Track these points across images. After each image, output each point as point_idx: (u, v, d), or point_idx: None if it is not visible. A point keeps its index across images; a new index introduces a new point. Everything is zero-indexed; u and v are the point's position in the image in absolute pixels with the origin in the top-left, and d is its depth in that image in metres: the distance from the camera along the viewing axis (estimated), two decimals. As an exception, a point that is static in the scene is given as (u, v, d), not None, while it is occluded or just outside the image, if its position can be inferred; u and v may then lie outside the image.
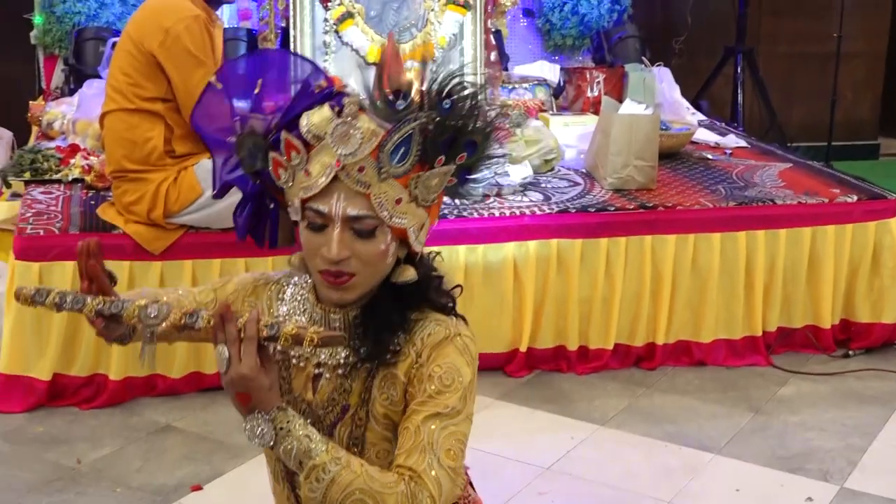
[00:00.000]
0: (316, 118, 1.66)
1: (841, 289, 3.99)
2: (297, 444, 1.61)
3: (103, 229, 3.53)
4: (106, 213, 3.60)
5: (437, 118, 1.62)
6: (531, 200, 3.91)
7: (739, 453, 3.28)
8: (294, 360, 1.82)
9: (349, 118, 1.62)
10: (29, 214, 3.67)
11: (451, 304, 1.80)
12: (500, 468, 3.18)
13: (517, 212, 3.79)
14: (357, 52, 4.97)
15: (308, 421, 1.71)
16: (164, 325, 1.64)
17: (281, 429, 1.61)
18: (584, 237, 3.74)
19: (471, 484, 2.03)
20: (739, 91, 6.11)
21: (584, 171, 4.28)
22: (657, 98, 5.13)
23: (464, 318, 1.82)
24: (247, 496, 2.99)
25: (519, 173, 4.05)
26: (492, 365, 3.77)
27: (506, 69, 5.20)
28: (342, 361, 1.77)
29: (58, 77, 5.24)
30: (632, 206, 3.86)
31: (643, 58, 5.65)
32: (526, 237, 3.72)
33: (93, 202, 3.82)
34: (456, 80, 1.65)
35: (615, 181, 4.01)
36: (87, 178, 4.03)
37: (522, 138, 4.30)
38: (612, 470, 3.19)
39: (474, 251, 3.69)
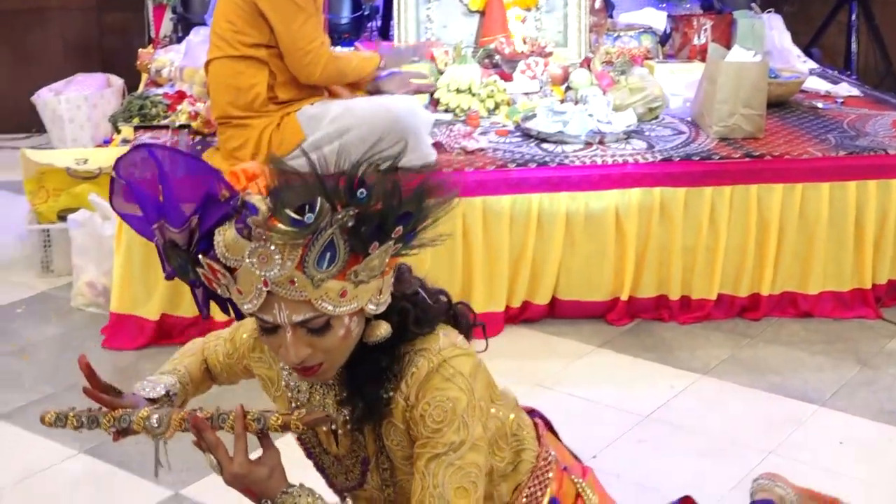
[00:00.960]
0: (229, 243, 1.58)
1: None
2: None
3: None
4: (211, 158, 3.63)
5: (356, 212, 1.52)
6: (634, 149, 3.87)
7: (845, 406, 3.23)
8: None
9: (262, 241, 1.54)
10: (165, 145, 3.74)
11: (441, 315, 1.76)
12: (599, 415, 3.19)
13: (620, 160, 3.76)
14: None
15: (342, 469, 1.83)
16: (168, 431, 1.70)
17: None
18: (688, 186, 3.70)
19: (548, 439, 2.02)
20: (853, 39, 5.93)
21: (689, 119, 4.21)
22: (766, 46, 5.03)
23: (458, 313, 1.81)
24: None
25: (622, 121, 4.01)
26: (593, 313, 3.78)
27: (611, 17, 5.14)
28: (348, 418, 1.76)
29: (166, 25, 5.33)
30: (738, 155, 3.80)
31: (753, 4, 5.54)
32: (628, 185, 3.69)
33: (199, 147, 3.90)
34: (364, 166, 1.54)
35: (721, 129, 3.95)
36: (194, 124, 4.10)
37: (627, 86, 4.25)
38: (712, 419, 3.17)
39: (576, 199, 3.67)
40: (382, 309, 1.64)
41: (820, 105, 4.47)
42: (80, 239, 3.84)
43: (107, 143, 4.80)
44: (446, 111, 4.20)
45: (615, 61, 4.46)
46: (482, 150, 3.86)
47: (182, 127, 4.12)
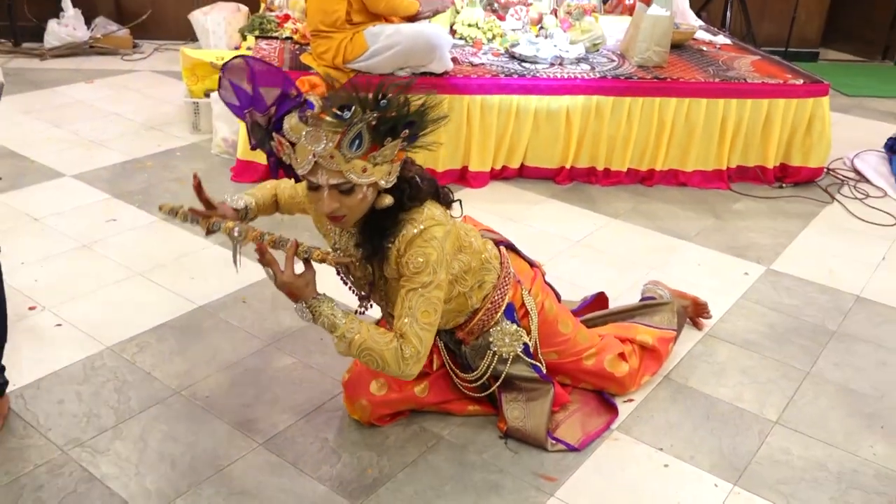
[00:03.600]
0: (292, 125, 1.60)
1: (784, 142, 3.80)
2: (327, 320, 1.70)
3: (304, 68, 3.48)
4: (305, 59, 3.55)
5: (378, 115, 1.57)
6: (581, 69, 3.74)
7: (703, 242, 3.23)
8: (341, 252, 1.88)
9: (314, 127, 1.58)
10: (257, 58, 3.63)
11: (429, 194, 1.77)
12: (548, 240, 3.18)
13: (572, 76, 3.63)
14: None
15: (359, 285, 1.90)
16: (244, 241, 1.75)
17: (314, 311, 1.70)
18: (614, 96, 3.59)
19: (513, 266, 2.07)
20: (728, 8, 5.75)
21: (619, 52, 4.07)
22: (673, 6, 4.83)
23: (441, 194, 1.82)
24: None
25: (575, 51, 3.88)
26: (546, 176, 3.73)
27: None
28: (360, 257, 1.81)
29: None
30: (649, 77, 3.67)
31: (666, -20, 5.31)
32: (576, 93, 3.58)
33: (297, 51, 3.77)
34: (388, 84, 1.61)
35: (639, 60, 3.83)
36: (295, 37, 3.98)
37: (580, 28, 4.11)
38: (618, 246, 3.16)
39: (542, 100, 3.57)
40: (390, 185, 1.69)
41: (704, 49, 4.32)
42: (218, 109, 3.75)
43: (237, 48, 4.68)
44: (461, 38, 4.08)
45: (573, 12, 4.29)
46: (482, 64, 3.73)
47: (287, 39, 4.01)
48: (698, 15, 5.31)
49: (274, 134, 1.64)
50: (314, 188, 1.66)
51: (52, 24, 5.24)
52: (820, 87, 3.77)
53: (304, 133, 1.59)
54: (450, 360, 2.12)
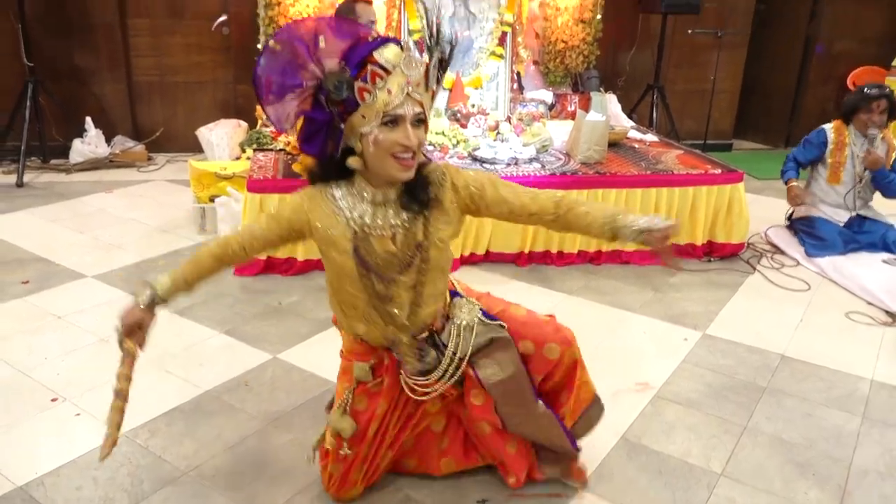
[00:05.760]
0: (389, 54, 1.51)
1: (709, 222, 3.86)
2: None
3: (294, 176, 3.50)
4: (296, 167, 3.58)
5: (441, 53, 1.57)
6: (534, 168, 3.80)
7: (646, 312, 3.23)
8: (371, 231, 1.66)
9: (411, 52, 1.53)
10: (255, 167, 3.66)
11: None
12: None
13: (526, 174, 3.69)
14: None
15: (393, 265, 1.68)
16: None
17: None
18: (564, 189, 3.61)
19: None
20: (654, 109, 5.92)
21: (564, 152, 4.15)
22: (608, 111, 4.97)
23: None
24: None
25: (527, 152, 3.96)
26: (508, 259, 3.73)
27: (522, 93, 5.05)
28: (405, 219, 1.66)
29: (272, 93, 5.19)
30: (591, 172, 3.74)
31: (600, 88, 5.46)
32: (531, 187, 3.62)
33: (289, 161, 3.80)
34: (439, 22, 1.58)
35: (583, 158, 3.91)
36: (287, 148, 4.01)
37: (530, 132, 4.19)
38: (575, 319, 3.08)
39: (501, 195, 3.60)
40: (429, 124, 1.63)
41: (636, 146, 4.43)
42: (222, 212, 3.76)
43: (237, 159, 4.70)
44: (430, 145, 4.12)
45: (524, 118, 4.39)
46: (449, 167, 3.78)
47: (280, 150, 4.03)
48: (629, 116, 5.48)
49: (369, 68, 1.51)
50: (392, 124, 1.53)
51: (76, 143, 5.26)
52: (735, 175, 3.86)
53: (403, 58, 1.52)
54: (407, 375, 1.83)
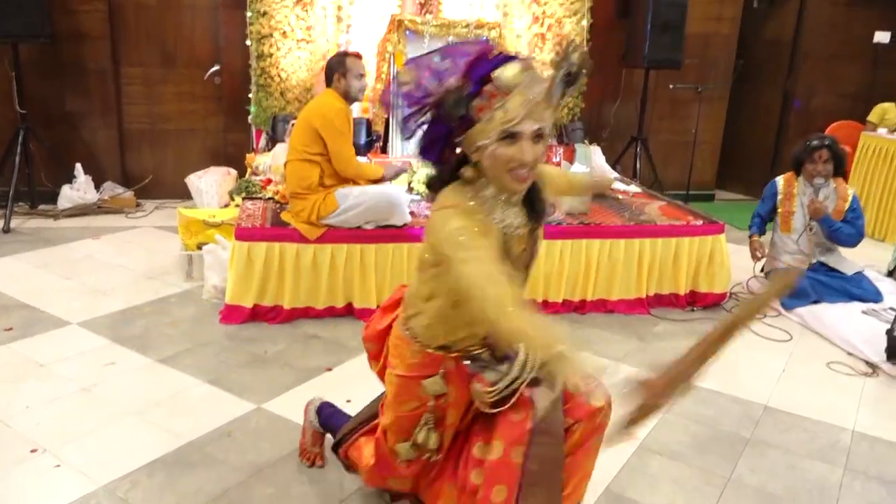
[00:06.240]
0: (509, 74, 1.50)
1: (691, 272, 3.92)
2: None
3: (282, 225, 3.53)
4: (285, 216, 3.60)
5: (577, 62, 1.55)
6: (520, 218, 3.87)
7: (631, 362, 3.24)
8: (511, 231, 1.66)
9: (534, 71, 1.52)
10: (244, 216, 3.70)
11: None
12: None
13: (512, 224, 3.75)
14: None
15: (519, 261, 1.69)
16: None
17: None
18: (549, 239, 3.68)
19: None
20: (638, 161, 6.04)
21: (550, 203, 4.21)
22: (592, 162, 5.08)
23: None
24: (359, 376, 2.98)
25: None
26: (495, 308, 3.75)
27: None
28: (526, 221, 1.67)
29: (262, 141, 5.28)
30: (576, 223, 3.81)
31: (585, 140, 5.61)
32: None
33: (278, 210, 3.83)
34: (571, 41, 1.59)
35: (568, 209, 3.97)
36: (276, 197, 4.05)
37: (516, 183, 4.27)
38: (559, 369, 3.15)
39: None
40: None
41: (620, 197, 4.50)
42: (209, 260, 3.76)
43: (226, 206, 4.74)
44: (417, 194, 4.18)
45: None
46: (436, 216, 3.83)
47: (269, 199, 4.08)
48: (613, 167, 5.58)
49: (486, 88, 1.52)
50: (510, 138, 1.52)
51: (65, 189, 5.28)
52: (716, 226, 3.94)
53: (525, 77, 1.51)
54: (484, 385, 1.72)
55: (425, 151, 1.65)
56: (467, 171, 1.61)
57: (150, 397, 2.74)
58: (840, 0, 6.53)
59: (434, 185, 1.69)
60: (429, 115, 1.59)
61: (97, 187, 5.48)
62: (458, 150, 1.64)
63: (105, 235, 4.84)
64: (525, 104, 1.51)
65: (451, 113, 1.54)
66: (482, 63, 1.53)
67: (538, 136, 1.54)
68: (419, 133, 1.63)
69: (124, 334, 3.29)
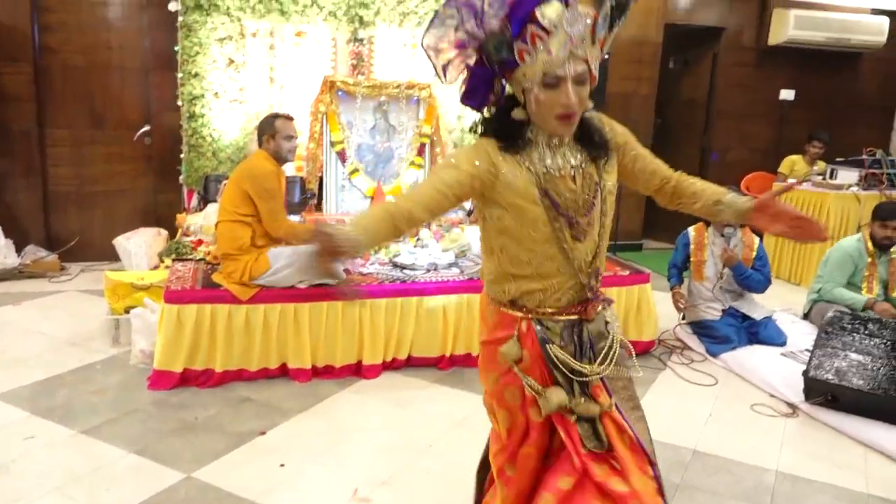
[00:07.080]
0: (550, 12, 1.45)
1: (621, 321, 4.02)
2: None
3: (214, 286, 3.49)
4: (216, 277, 3.56)
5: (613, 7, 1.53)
6: (453, 273, 3.93)
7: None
8: (554, 172, 1.61)
9: (573, 9, 1.47)
10: (174, 278, 3.64)
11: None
12: (432, 419, 3.16)
13: (445, 279, 3.81)
14: (360, 191, 5.02)
15: (577, 202, 1.62)
16: None
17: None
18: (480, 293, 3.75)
19: None
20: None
21: (482, 256, 4.30)
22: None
23: None
24: (294, 439, 2.96)
25: (446, 258, 4.09)
26: (430, 363, 3.77)
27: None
28: (581, 160, 1.63)
29: (194, 201, 5.22)
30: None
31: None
32: (450, 293, 3.74)
33: (209, 271, 3.78)
34: None
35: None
36: (207, 258, 4.01)
37: (449, 238, 4.34)
38: (479, 411, 3.17)
39: (422, 300, 3.69)
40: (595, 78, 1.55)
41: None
42: (137, 324, 3.67)
43: (155, 268, 4.65)
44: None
45: (443, 224, 4.55)
46: (370, 273, 3.86)
47: (200, 260, 4.03)
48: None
49: (529, 28, 1.46)
50: (552, 84, 1.49)
51: (-17, 254, 5.08)
52: (642, 276, 4.10)
53: (567, 15, 1.46)
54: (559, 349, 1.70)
55: (468, 96, 1.61)
56: (519, 113, 1.60)
57: (71, 472, 2.63)
58: (748, 61, 7.02)
59: (485, 131, 1.64)
60: (471, 58, 1.57)
61: (19, 251, 5.29)
62: (505, 94, 1.62)
63: (26, 301, 4.66)
64: (566, 44, 1.47)
65: (493, 56, 1.51)
66: (524, 3, 1.48)
67: (581, 79, 1.51)
68: (460, 79, 1.59)
69: (46, 405, 3.16)
